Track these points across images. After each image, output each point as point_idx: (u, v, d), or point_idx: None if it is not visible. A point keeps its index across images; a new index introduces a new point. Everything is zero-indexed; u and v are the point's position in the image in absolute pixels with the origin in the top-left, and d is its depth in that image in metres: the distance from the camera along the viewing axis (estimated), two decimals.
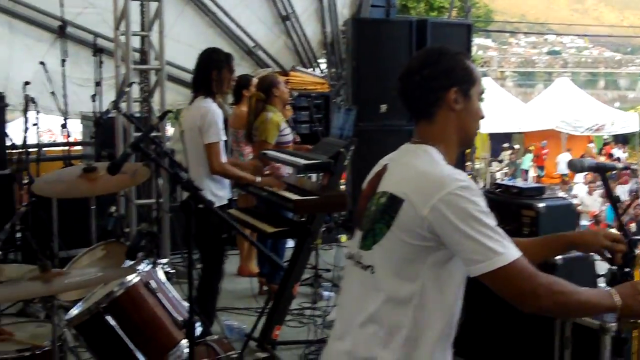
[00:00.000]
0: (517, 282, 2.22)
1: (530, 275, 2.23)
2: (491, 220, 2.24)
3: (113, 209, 4.60)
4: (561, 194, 17.23)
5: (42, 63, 8.08)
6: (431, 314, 2.32)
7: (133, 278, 3.32)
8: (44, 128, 10.21)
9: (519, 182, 5.60)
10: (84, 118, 9.54)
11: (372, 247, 2.37)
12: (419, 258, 2.30)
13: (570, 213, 5.06)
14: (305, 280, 6.91)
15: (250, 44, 10.80)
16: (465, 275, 2.36)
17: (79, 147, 9.98)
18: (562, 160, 23.78)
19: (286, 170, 6.01)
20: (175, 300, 3.47)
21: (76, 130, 10.19)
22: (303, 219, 5.95)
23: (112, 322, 3.27)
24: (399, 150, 2.54)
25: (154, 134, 6.57)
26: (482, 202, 2.26)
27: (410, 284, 2.30)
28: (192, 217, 2.85)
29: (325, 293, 6.92)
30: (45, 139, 11.71)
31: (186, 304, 3.51)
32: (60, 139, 9.80)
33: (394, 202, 2.33)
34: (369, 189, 2.52)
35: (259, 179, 5.63)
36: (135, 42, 7.88)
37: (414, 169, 2.38)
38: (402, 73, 2.53)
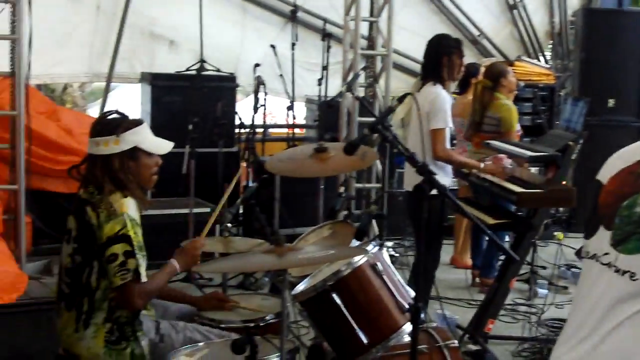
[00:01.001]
0: None
1: None
2: None
3: (342, 189, 4.66)
4: None
5: (272, 46, 8.36)
6: None
7: (360, 259, 3.35)
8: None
9: None
10: (309, 101, 9.79)
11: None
12: None
13: None
14: (521, 276, 6.75)
15: (475, 32, 10.69)
16: None
17: (300, 130, 10.27)
18: None
19: (509, 162, 5.89)
20: (399, 284, 3.47)
21: (298, 113, 10.47)
22: (520, 212, 5.83)
23: (337, 300, 3.31)
24: None
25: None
26: None
27: None
28: (425, 202, 2.84)
29: (541, 291, 6.74)
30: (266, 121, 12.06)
31: (410, 289, 3.52)
32: (281, 121, 10.13)
33: None
34: (620, 185, 2.36)
35: (482, 165, 5.56)
36: (362, 28, 7.98)
37: None
38: None
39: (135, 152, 3.49)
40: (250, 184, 6.91)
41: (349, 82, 5.42)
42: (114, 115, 3.56)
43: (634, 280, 2.20)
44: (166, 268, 3.63)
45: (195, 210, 6.97)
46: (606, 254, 2.29)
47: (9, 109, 6.59)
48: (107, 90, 9.37)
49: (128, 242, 3.33)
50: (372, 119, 5.11)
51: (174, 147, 3.72)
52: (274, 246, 3.04)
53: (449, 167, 5.64)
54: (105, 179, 3.42)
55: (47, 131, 7.09)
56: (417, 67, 9.83)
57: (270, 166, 3.88)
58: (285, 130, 9.59)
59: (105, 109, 9.21)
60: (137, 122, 3.56)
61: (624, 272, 2.22)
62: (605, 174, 2.43)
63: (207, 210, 7.37)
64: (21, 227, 6.44)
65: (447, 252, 7.72)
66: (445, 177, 5.47)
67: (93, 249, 3.38)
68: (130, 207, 3.40)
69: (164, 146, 3.62)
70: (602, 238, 2.33)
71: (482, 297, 6.11)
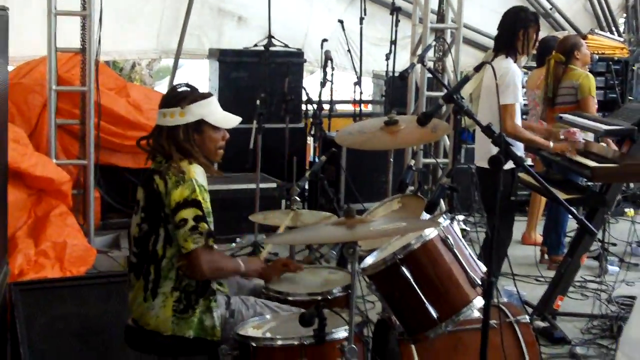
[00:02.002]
0: None
1: None
2: None
3: (412, 162, 4.60)
4: None
5: (340, 21, 8.28)
6: None
7: (431, 232, 3.30)
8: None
9: None
10: (376, 77, 9.71)
11: None
12: None
13: None
14: (591, 253, 6.62)
15: (547, 5, 10.46)
16: None
17: (364, 106, 10.18)
18: None
19: (582, 136, 5.76)
20: (471, 259, 3.40)
21: (365, 89, 10.41)
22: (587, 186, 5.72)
23: (407, 274, 3.26)
24: None
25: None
26: None
27: None
28: (501, 173, 2.78)
29: (612, 268, 6.60)
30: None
31: (481, 264, 3.45)
32: (346, 96, 10.07)
33: None
34: None
35: (552, 144, 5.45)
36: (431, 2, 7.85)
37: None
38: None
39: (200, 125, 3.50)
40: (317, 159, 6.87)
41: (421, 54, 5.31)
42: (183, 88, 3.57)
43: None
44: (234, 261, 3.65)
45: (262, 185, 6.98)
46: None
47: (79, 85, 6.69)
48: (175, 66, 9.42)
49: (198, 207, 3.35)
50: (441, 94, 5.06)
51: (242, 123, 3.71)
52: (343, 218, 3.00)
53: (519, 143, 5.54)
54: (172, 149, 3.45)
55: (117, 107, 7.18)
56: (486, 42, 9.72)
57: (340, 139, 3.84)
58: (350, 106, 9.54)
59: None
60: (205, 96, 3.56)
61: None
62: None
63: (274, 185, 7.39)
64: (90, 201, 6.55)
65: (517, 228, 7.65)
66: (517, 152, 5.37)
67: (160, 216, 3.40)
68: (198, 174, 3.42)
69: (230, 120, 3.61)
70: None
71: (550, 274, 6.02)
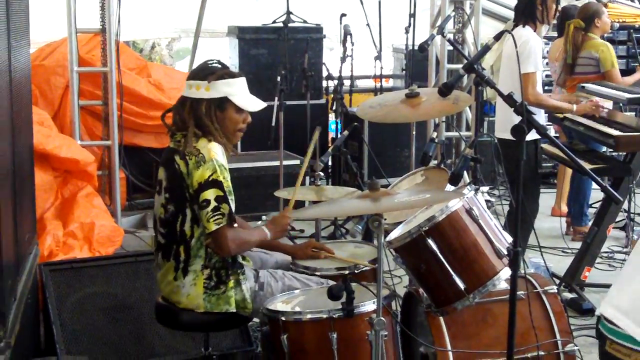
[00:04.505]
0: None
1: None
2: None
3: (434, 134, 4.59)
4: None
5: None
6: None
7: (456, 203, 3.30)
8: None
9: None
10: (396, 50, 9.66)
11: None
12: None
13: None
14: (617, 223, 6.59)
15: None
16: None
17: (385, 81, 10.13)
18: None
19: (606, 104, 5.73)
20: (496, 229, 3.40)
21: (385, 63, 10.34)
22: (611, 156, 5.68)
23: (433, 246, 3.27)
24: None
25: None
26: None
27: None
28: (523, 143, 2.77)
29: (637, 237, 6.58)
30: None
31: (507, 235, 3.45)
32: (367, 71, 10.03)
33: None
34: None
35: (575, 107, 5.44)
36: None
37: None
38: None
39: (224, 103, 3.51)
40: (340, 135, 6.88)
41: (441, 25, 5.31)
42: (215, 64, 3.60)
43: None
44: (258, 230, 3.66)
45: (285, 162, 6.99)
46: None
47: (100, 66, 6.72)
48: (195, 45, 9.41)
49: (219, 187, 3.38)
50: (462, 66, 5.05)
51: (263, 100, 3.70)
52: (368, 191, 3.01)
53: (542, 113, 5.51)
54: (190, 121, 3.48)
55: (138, 87, 7.19)
56: (506, 13, 9.62)
57: (362, 112, 3.84)
58: (371, 81, 9.50)
59: (194, 65, 9.29)
60: (234, 75, 3.58)
61: None
62: None
63: (297, 162, 7.40)
64: (116, 182, 6.60)
65: (544, 201, 7.62)
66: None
67: (184, 197, 3.43)
68: (217, 152, 3.44)
69: (254, 104, 3.61)
70: None
71: (576, 245, 6.01)
